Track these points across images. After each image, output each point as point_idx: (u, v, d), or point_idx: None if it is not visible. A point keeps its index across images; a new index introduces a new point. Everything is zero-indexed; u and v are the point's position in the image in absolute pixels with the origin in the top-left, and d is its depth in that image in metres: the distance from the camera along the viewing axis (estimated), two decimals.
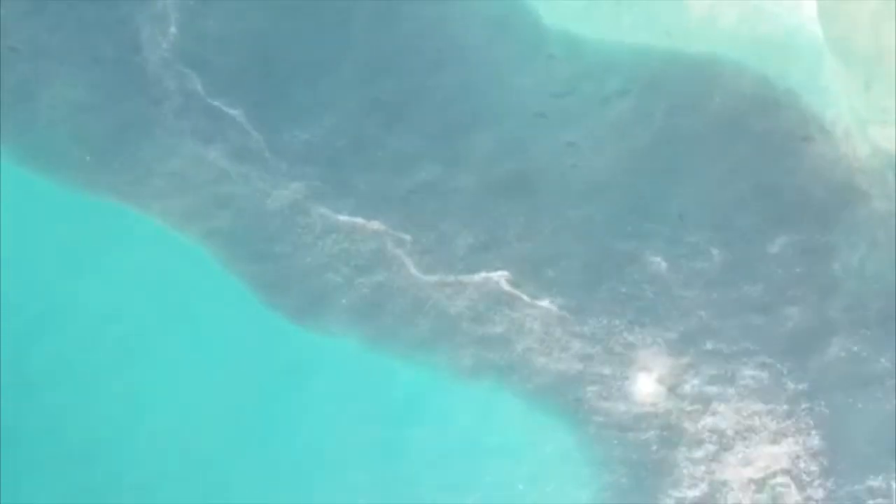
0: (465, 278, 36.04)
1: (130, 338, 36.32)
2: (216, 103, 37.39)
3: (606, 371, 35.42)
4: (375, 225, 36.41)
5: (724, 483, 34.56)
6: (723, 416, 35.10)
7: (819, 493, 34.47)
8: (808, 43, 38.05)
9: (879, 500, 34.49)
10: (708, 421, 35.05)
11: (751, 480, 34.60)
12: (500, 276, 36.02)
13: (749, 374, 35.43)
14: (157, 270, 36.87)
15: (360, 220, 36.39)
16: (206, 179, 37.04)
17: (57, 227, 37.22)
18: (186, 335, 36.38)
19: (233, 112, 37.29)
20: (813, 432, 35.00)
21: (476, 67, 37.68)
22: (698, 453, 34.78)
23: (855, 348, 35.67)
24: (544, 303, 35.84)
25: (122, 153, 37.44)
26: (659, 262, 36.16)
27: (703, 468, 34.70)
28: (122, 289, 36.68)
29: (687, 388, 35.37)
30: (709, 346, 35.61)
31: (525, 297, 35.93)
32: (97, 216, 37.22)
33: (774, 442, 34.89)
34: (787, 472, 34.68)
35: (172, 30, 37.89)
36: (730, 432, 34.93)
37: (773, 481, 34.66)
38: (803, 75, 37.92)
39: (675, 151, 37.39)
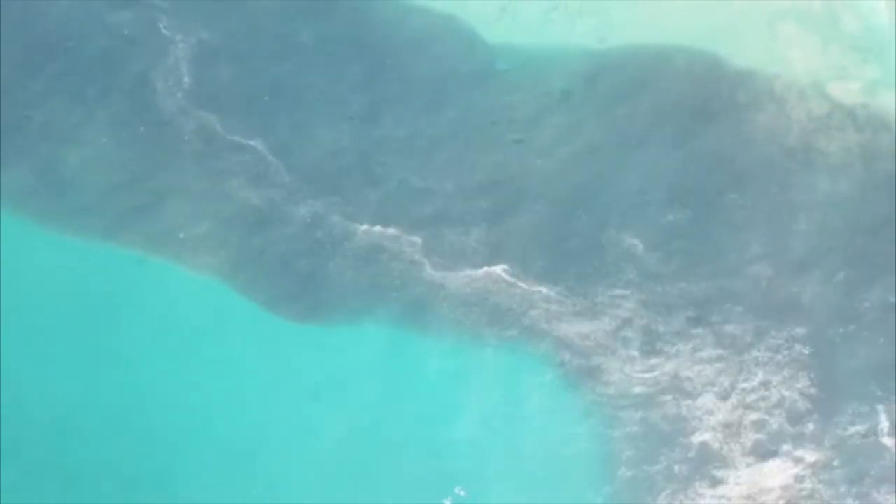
0: (472, 273, 38.85)
1: (169, 373, 38.47)
2: (236, 138, 40.17)
3: (605, 342, 38.02)
4: (392, 231, 39.33)
5: (727, 426, 37.12)
6: (716, 371, 37.61)
7: (810, 427, 36.98)
8: (760, 17, 40.77)
9: (865, 421, 37.12)
10: (703, 376, 37.58)
11: (751, 422, 37.11)
12: (500, 270, 38.78)
13: (734, 331, 37.92)
14: (188, 311, 39.09)
15: (378, 228, 39.34)
16: (231, 209, 39.67)
17: (86, 281, 39.32)
18: (220, 364, 38.50)
19: (251, 143, 40.10)
20: (800, 373, 37.44)
21: (443, 93, 40.89)
22: (699, 405, 37.30)
23: (828, 294, 38.24)
24: (542, 288, 38.55)
25: (149, 201, 39.84)
26: (636, 244, 38.77)
27: (705, 417, 37.23)
28: (156, 333, 38.80)
29: (679, 351, 37.86)
30: (692, 312, 38.14)
31: (523, 285, 38.69)
32: (125, 267, 39.41)
33: (766, 387, 37.40)
34: (781, 410, 37.15)
35: (186, 80, 40.65)
36: (725, 384, 37.49)
37: (770, 420, 37.11)
38: (756, 49, 40.54)
39: (634, 139, 40.09)
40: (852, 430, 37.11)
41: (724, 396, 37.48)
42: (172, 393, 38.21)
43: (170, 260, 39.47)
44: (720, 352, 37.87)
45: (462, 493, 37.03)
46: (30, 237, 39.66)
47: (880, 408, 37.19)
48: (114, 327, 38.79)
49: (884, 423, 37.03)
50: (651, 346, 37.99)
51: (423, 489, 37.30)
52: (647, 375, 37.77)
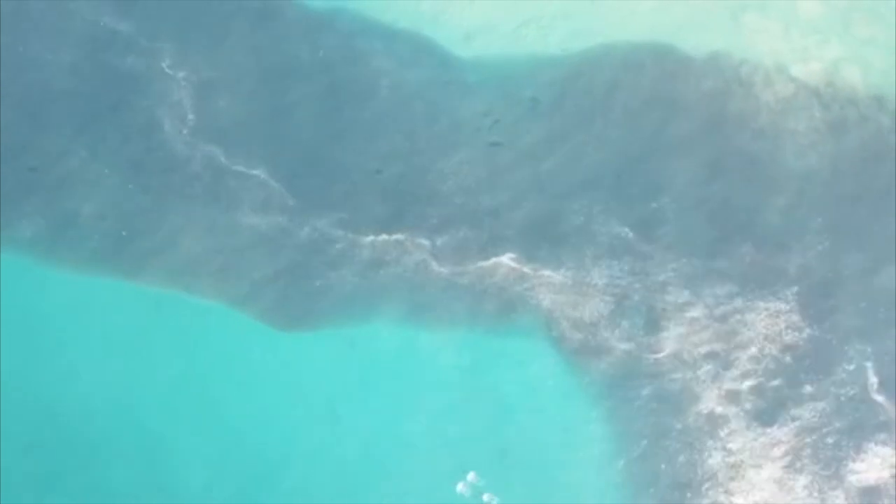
0: (482, 264, 40.63)
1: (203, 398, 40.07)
2: (240, 168, 41.58)
3: (610, 321, 39.81)
4: (398, 236, 41.02)
5: (730, 394, 38.93)
6: (713, 343, 39.43)
7: (807, 389, 38.91)
8: (723, 9, 42.59)
9: (856, 379, 39.13)
10: (702, 349, 39.41)
11: (751, 388, 38.98)
12: (508, 259, 40.58)
13: (725, 305, 39.72)
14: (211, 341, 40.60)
15: (384, 237, 40.94)
16: (240, 237, 41.13)
17: (109, 319, 40.64)
18: (243, 383, 40.15)
19: (255, 172, 41.51)
20: (791, 339, 39.33)
21: (430, 105, 42.78)
22: (701, 377, 39.15)
23: (811, 263, 40.13)
24: (547, 272, 40.39)
25: (161, 236, 41.16)
26: (627, 231, 40.62)
27: (708, 387, 39.07)
28: (177, 362, 40.32)
29: (677, 326, 39.64)
30: (686, 291, 40.00)
31: (529, 271, 40.48)
32: (142, 303, 40.76)
33: (760, 354, 39.26)
34: (777, 375, 39.04)
35: (190, 116, 41.98)
36: (723, 354, 39.32)
37: (769, 384, 38.98)
38: (722, 40, 42.30)
39: (611, 137, 41.94)
40: (845, 388, 39.05)
41: (724, 366, 39.28)
42: (199, 415, 39.95)
43: (184, 292, 40.95)
44: (715, 324, 39.65)
45: (474, 478, 38.71)
46: (45, 279, 41.14)
47: (868, 365, 39.19)
48: (136, 358, 40.38)
49: (873, 380, 39.03)
50: (653, 323, 39.78)
51: (438, 476, 39.05)
52: (651, 352, 39.56)
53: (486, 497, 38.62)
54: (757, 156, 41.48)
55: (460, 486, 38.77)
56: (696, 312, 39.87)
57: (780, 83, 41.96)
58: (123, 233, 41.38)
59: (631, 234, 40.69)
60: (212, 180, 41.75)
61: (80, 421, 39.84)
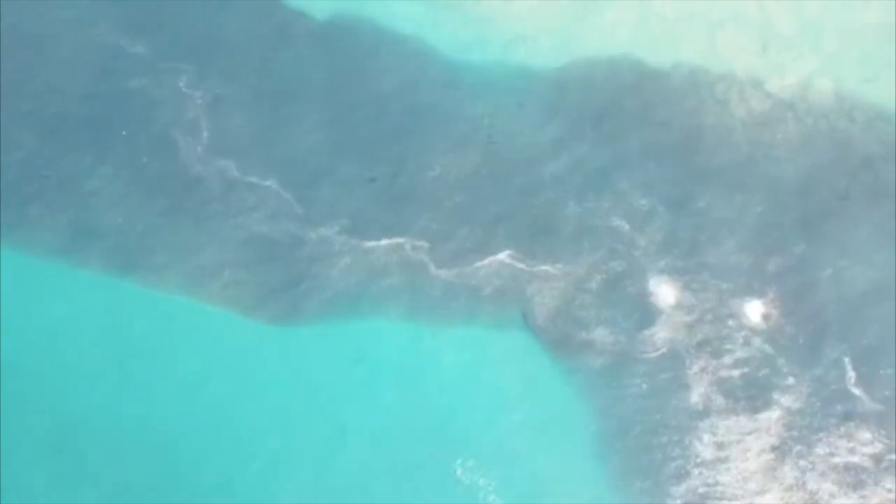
0: (479, 264, 42.28)
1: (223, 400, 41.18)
2: (252, 179, 43.27)
3: (606, 314, 41.59)
4: (398, 240, 42.67)
5: (721, 382, 40.61)
6: (704, 335, 41.29)
7: (790, 381, 40.70)
8: (700, 27, 44.81)
9: (835, 372, 40.94)
10: (693, 339, 41.20)
11: (740, 377, 40.67)
12: (505, 255, 42.30)
13: (713, 297, 41.57)
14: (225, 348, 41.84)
15: (385, 241, 42.62)
16: (251, 244, 42.67)
17: (123, 325, 41.83)
18: (250, 383, 41.39)
19: (267, 183, 43.24)
20: (775, 333, 41.25)
21: (430, 110, 45.04)
22: (693, 366, 40.86)
23: (789, 263, 42.24)
24: (544, 268, 42.15)
25: (176, 245, 42.63)
26: (622, 225, 42.66)
27: (700, 376, 40.78)
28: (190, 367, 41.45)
29: (670, 318, 41.44)
30: (680, 279, 41.89)
31: (526, 267, 42.20)
32: (156, 311, 42.02)
33: (747, 346, 41.11)
34: (764, 367, 40.76)
35: (205, 134, 43.71)
36: (714, 345, 41.07)
37: (756, 375, 40.77)
38: (699, 57, 44.39)
39: (597, 146, 44.05)
40: (825, 380, 40.86)
41: (715, 356, 41.02)
42: (210, 417, 41.15)
43: (196, 298, 42.29)
44: (706, 317, 41.54)
45: (472, 462, 40.19)
46: (61, 285, 42.51)
47: (846, 360, 41.10)
48: (148, 363, 41.69)
49: (850, 374, 40.90)
50: (647, 317, 41.57)
51: (437, 461, 40.45)
52: (644, 344, 41.29)
53: (481, 482, 39.94)
54: (735, 167, 43.46)
55: (459, 472, 40.09)
56: (687, 306, 41.54)
57: (755, 99, 44.06)
58: (138, 241, 42.66)
59: (627, 227, 42.56)
60: (225, 192, 43.32)
61: (93, 422, 40.85)
